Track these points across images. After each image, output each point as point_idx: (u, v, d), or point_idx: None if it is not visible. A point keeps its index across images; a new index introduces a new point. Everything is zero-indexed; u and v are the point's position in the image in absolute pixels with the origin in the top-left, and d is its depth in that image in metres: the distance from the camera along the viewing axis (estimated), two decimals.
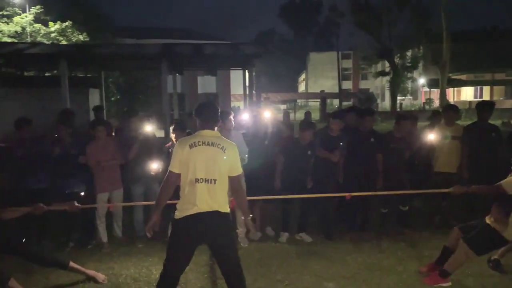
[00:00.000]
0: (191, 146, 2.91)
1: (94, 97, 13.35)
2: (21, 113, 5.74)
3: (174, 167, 2.96)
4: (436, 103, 31.85)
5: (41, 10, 18.98)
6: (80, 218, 4.91)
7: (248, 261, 4.48)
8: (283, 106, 42.24)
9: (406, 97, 37.38)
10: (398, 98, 33.07)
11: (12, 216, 3.59)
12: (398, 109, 30.34)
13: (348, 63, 54.97)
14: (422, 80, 35.47)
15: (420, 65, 33.49)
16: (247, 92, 15.70)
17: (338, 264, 4.35)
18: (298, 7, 69.76)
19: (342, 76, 38.52)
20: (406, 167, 5.37)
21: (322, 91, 37.46)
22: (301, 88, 64.96)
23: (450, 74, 29.76)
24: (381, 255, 4.60)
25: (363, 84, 55.72)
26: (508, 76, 32.93)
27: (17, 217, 3.65)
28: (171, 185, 2.99)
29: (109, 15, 27.27)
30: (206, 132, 3.00)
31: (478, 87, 34.99)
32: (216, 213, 2.92)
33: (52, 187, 4.94)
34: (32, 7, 18.97)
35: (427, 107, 32.34)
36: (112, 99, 23.50)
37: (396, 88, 30.96)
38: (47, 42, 17.28)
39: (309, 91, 53.63)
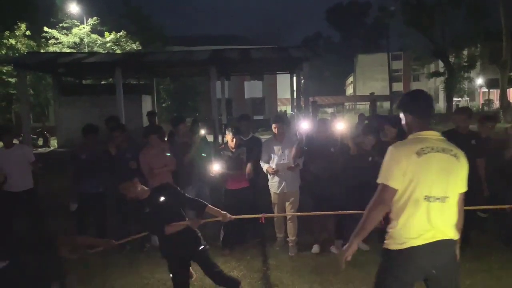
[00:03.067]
0: (419, 154, 2.22)
1: (147, 103, 13.83)
2: (81, 119, 5.99)
3: (395, 181, 2.22)
4: (496, 104, 29.95)
5: (97, 21, 19.97)
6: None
7: (303, 269, 4.35)
8: (330, 110, 41.60)
9: (463, 99, 35.51)
10: (454, 99, 31.48)
11: (175, 230, 3.42)
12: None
13: (398, 65, 53.17)
14: (480, 80, 33.55)
15: (478, 64, 31.69)
16: (295, 96, 15.57)
17: None
18: (345, 10, 68.71)
19: (392, 77, 37.27)
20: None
21: (372, 93, 36.43)
22: (349, 91, 63.73)
23: (511, 73, 27.90)
24: None
25: (415, 86, 53.54)
26: None
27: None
28: (387, 205, 2.25)
29: (160, 24, 28.29)
30: (429, 133, 2.32)
31: None
32: (450, 242, 2.28)
33: (108, 190, 5.09)
34: (89, 19, 20.01)
35: (486, 108, 30.52)
36: (163, 105, 24.27)
37: (451, 89, 29.46)
38: (103, 52, 18.12)
39: (358, 93, 52.48)
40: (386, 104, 37.79)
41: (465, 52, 32.06)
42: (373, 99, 29.93)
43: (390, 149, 2.30)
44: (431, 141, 2.28)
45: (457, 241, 2.33)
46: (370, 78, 53.18)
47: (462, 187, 2.34)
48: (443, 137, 2.35)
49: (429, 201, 2.21)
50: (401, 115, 2.44)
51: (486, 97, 33.55)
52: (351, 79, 62.38)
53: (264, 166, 4.95)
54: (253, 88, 33.98)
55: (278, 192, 4.89)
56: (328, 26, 77.40)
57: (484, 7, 28.28)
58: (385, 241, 2.35)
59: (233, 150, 4.92)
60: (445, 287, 2.34)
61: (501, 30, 25.19)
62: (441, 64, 32.27)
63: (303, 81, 14.59)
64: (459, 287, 2.37)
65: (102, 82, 16.67)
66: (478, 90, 36.24)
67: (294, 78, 15.66)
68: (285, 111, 30.99)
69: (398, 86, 52.18)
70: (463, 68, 30.91)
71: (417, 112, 2.35)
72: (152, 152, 5.04)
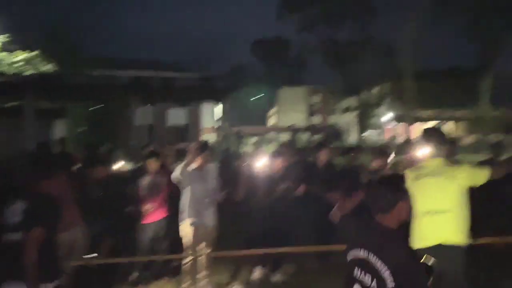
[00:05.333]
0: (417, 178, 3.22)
1: (60, 128, 13.01)
2: None
3: None
4: (402, 138, 32.89)
5: (8, 39, 18.50)
6: None
7: None
8: (253, 139, 42.37)
9: (374, 132, 38.55)
10: (364, 133, 34.13)
11: None
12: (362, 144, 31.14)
13: (318, 98, 56.16)
14: (387, 117, 36.67)
15: (386, 101, 34.80)
16: (220, 125, 15.75)
17: None
18: (270, 44, 71.59)
19: (312, 110, 39.33)
20: None
21: (292, 125, 37.97)
22: (272, 121, 65.62)
23: (415, 111, 31.01)
24: None
25: (334, 119, 56.93)
26: (472, 113, 34.15)
27: None
28: None
29: (79, 45, 26.96)
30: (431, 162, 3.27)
31: (442, 122, 36.19)
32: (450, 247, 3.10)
33: None
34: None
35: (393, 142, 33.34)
36: (79, 130, 22.89)
37: (363, 123, 31.96)
38: (8, 73, 16.67)
39: (280, 124, 54.23)
40: (306, 136, 39.57)
41: (376, 90, 35.12)
42: (293, 130, 31.24)
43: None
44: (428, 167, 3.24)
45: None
46: (292, 109, 55.42)
47: None
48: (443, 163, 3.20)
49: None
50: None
51: (394, 131, 36.67)
52: (274, 109, 64.46)
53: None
54: (176, 115, 33.55)
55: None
56: (253, 57, 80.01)
57: (390, 50, 31.48)
58: None
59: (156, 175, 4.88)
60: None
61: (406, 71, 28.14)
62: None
63: (226, 110, 14.82)
64: None
65: (9, 104, 15.32)
66: (383, 126, 39.53)
67: (219, 107, 15.87)
68: (207, 140, 30.94)
69: (318, 119, 55.05)
70: (372, 105, 33.83)
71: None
72: (56, 182, 4.60)
